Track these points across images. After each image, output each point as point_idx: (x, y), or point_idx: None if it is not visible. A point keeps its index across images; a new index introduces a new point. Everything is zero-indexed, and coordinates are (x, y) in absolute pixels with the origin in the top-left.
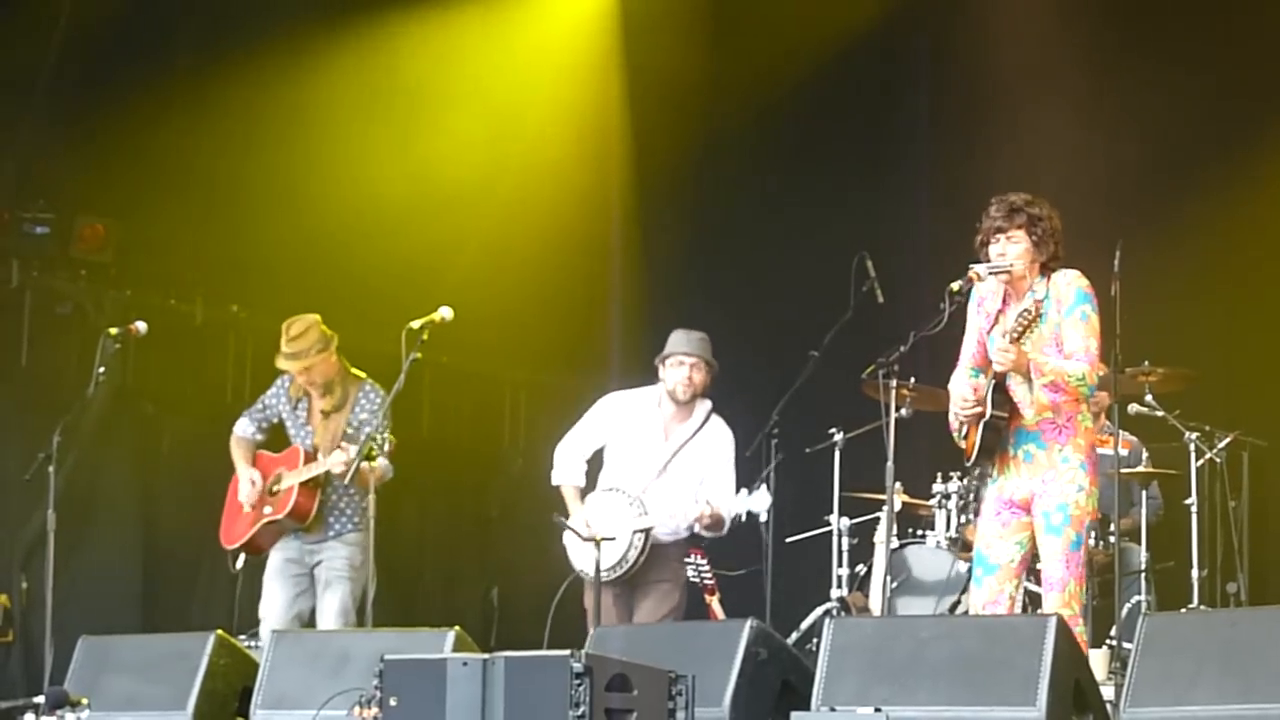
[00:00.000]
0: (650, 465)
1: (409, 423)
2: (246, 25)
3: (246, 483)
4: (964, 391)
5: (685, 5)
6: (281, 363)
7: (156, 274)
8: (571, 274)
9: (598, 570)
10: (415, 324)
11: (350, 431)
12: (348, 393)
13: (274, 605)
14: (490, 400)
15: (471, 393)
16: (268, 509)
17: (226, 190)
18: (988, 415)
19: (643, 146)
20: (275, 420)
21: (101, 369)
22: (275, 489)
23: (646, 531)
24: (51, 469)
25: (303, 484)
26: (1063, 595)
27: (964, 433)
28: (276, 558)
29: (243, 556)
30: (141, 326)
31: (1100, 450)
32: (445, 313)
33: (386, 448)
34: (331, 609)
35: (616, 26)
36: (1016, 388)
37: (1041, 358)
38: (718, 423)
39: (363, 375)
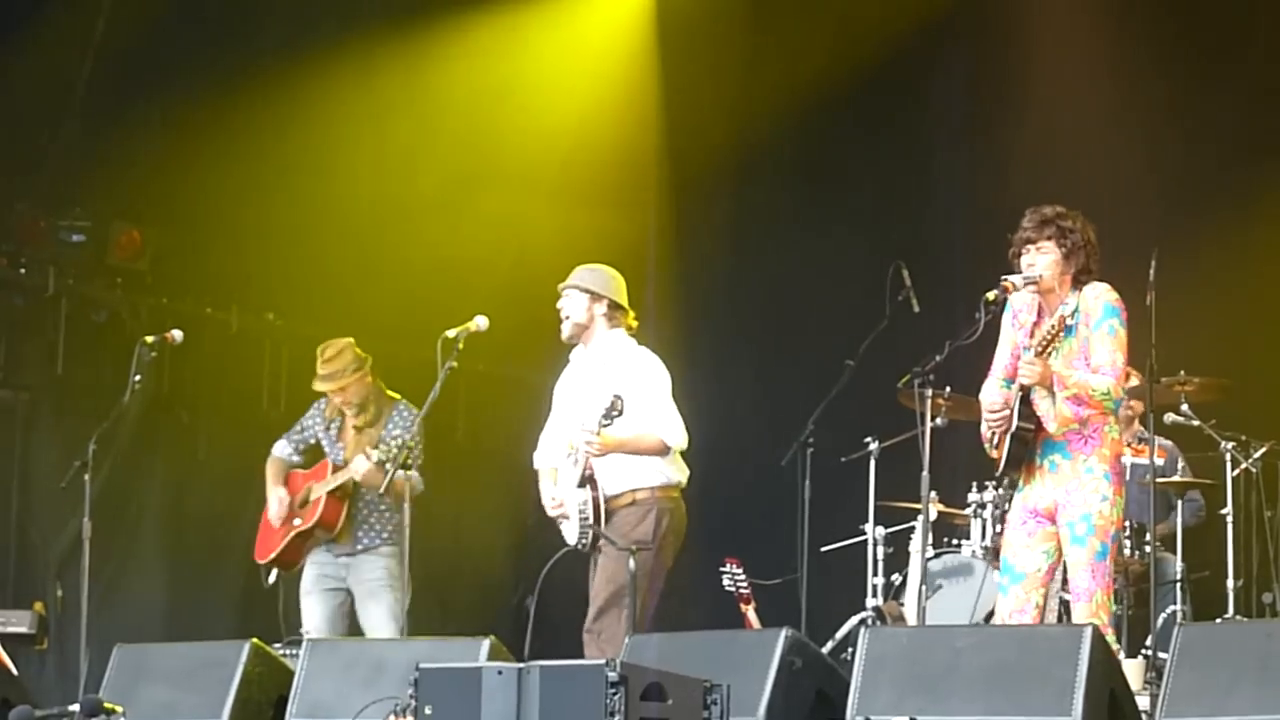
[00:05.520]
0: (579, 417)
1: (445, 431)
2: (283, 34)
3: (275, 501)
4: (993, 402)
5: (721, 15)
6: (318, 385)
7: (192, 282)
8: None
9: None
10: (451, 333)
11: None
12: (381, 410)
13: (315, 619)
14: (526, 408)
15: (507, 401)
16: (296, 520)
17: (262, 198)
18: (1014, 427)
19: (678, 154)
20: (313, 441)
21: (137, 377)
22: (306, 501)
23: (589, 482)
24: (87, 477)
25: (330, 493)
26: (1090, 605)
27: (995, 442)
28: (310, 572)
29: (275, 571)
30: (177, 334)
31: (1136, 459)
32: (481, 322)
33: (418, 462)
34: (381, 618)
35: (653, 34)
36: (1040, 401)
37: (1066, 370)
38: (631, 352)
39: (397, 396)
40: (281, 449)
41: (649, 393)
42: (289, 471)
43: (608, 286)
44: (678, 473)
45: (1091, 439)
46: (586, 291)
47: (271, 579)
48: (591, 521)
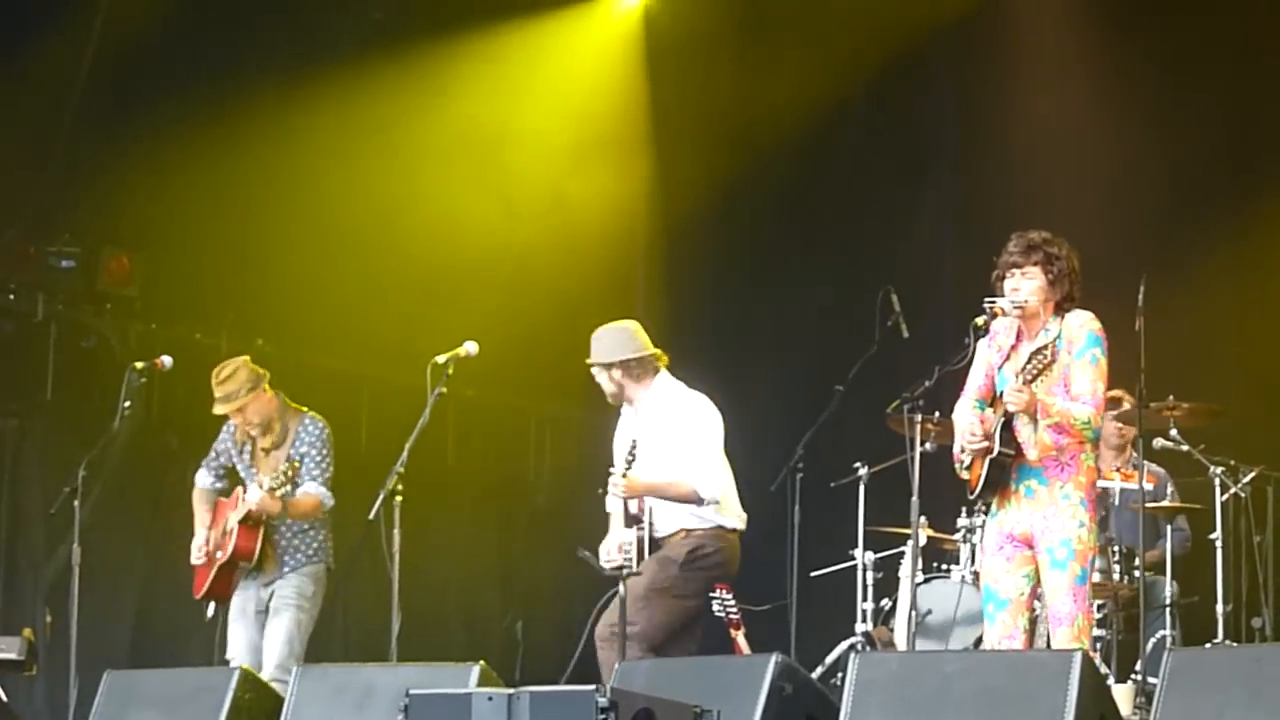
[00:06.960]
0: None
1: (434, 456)
2: (274, 60)
3: (196, 547)
4: (970, 423)
5: (711, 42)
6: (215, 408)
7: (182, 307)
8: (596, 307)
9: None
10: (440, 359)
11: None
12: (288, 428)
13: (239, 647)
14: (515, 434)
15: (496, 426)
16: (219, 553)
17: (252, 224)
18: (995, 453)
19: (668, 180)
20: (229, 465)
21: (127, 403)
22: (225, 531)
23: (635, 521)
24: (76, 503)
25: (241, 523)
26: (1072, 630)
27: (967, 463)
28: (237, 600)
29: (213, 605)
30: (167, 360)
31: (1126, 484)
32: (470, 347)
33: (326, 476)
34: (276, 636)
35: (643, 60)
36: (1022, 428)
37: (1049, 399)
38: (678, 399)
39: (303, 409)
40: (203, 478)
41: (690, 441)
42: (216, 501)
43: (617, 350)
44: (732, 520)
45: (1068, 466)
46: (601, 366)
47: (210, 612)
48: (634, 560)
